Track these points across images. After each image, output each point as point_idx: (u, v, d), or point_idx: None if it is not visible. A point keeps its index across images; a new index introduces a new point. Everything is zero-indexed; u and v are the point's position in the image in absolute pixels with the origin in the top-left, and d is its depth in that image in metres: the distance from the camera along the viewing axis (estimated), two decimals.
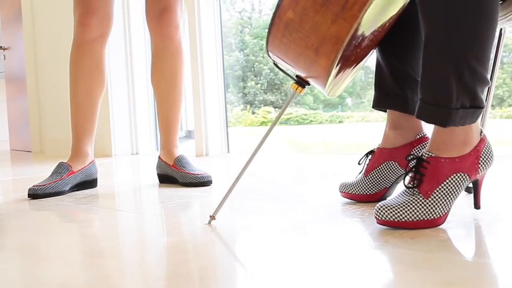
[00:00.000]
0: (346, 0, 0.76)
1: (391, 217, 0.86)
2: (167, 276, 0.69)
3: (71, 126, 1.60)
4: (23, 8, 3.52)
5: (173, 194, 1.41)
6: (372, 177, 1.11)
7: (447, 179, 0.86)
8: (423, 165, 0.87)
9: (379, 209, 0.87)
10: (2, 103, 5.33)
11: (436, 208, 0.86)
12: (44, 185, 1.44)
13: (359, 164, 1.15)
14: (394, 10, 0.91)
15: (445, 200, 0.86)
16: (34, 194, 1.42)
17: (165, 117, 1.64)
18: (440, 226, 0.87)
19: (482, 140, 0.90)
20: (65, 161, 1.55)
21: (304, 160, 2.30)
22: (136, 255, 0.80)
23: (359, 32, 0.82)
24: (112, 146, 2.97)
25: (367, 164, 1.13)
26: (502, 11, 0.99)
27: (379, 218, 0.87)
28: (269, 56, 0.90)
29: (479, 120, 0.89)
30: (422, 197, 0.86)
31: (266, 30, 0.86)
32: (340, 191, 1.16)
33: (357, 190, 1.12)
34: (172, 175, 1.58)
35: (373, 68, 1.13)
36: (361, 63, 1.01)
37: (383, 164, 1.11)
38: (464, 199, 1.11)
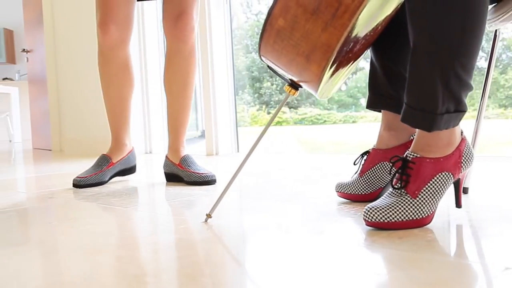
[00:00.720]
0: (336, 8, 0.76)
1: (379, 218, 0.85)
2: (157, 272, 0.70)
3: (109, 123, 1.72)
4: (44, 12, 3.58)
5: (177, 193, 1.42)
6: (367, 178, 1.11)
7: (433, 178, 0.86)
8: (409, 166, 0.87)
9: (368, 211, 0.86)
10: (26, 103, 5.43)
11: (423, 208, 0.85)
12: (86, 177, 1.58)
13: (354, 164, 1.15)
14: (386, 13, 0.90)
15: (432, 200, 0.86)
16: (78, 185, 1.56)
17: (175, 118, 1.66)
18: (428, 226, 0.87)
19: (463, 140, 0.90)
20: (105, 153, 1.67)
21: (312, 159, 2.30)
22: (130, 251, 0.81)
23: (350, 39, 0.81)
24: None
25: (363, 165, 1.13)
26: (496, 13, 0.98)
27: (368, 220, 0.86)
28: (262, 60, 0.90)
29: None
30: (410, 197, 0.85)
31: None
32: (336, 191, 1.16)
33: (352, 190, 1.12)
34: (178, 174, 1.60)
35: None
36: (354, 64, 1.00)
37: (378, 165, 1.10)
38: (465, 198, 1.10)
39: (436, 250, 0.74)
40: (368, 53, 1.12)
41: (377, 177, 1.10)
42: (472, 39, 0.80)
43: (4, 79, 7.46)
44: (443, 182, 0.87)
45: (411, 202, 0.85)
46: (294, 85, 0.94)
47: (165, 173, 1.68)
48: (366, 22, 0.81)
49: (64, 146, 3.54)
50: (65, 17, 3.42)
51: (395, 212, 0.85)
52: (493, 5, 1.00)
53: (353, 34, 0.80)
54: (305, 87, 0.91)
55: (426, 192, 0.86)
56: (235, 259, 0.76)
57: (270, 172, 1.85)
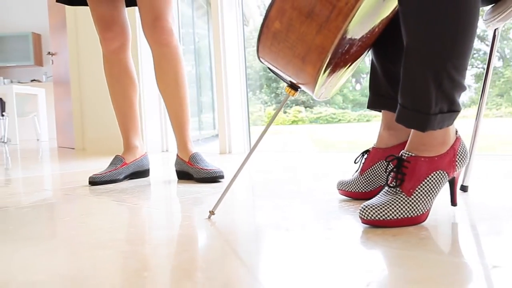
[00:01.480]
0: (330, 11, 0.75)
1: (375, 216, 0.84)
2: (155, 267, 0.71)
3: (118, 126, 1.76)
4: (68, 17, 3.64)
5: (186, 190, 1.43)
6: (367, 176, 1.10)
7: (428, 177, 0.85)
8: (404, 165, 0.86)
9: (364, 209, 0.85)
10: (52, 104, 5.53)
11: (418, 206, 0.84)
12: (101, 174, 1.61)
13: (355, 163, 1.14)
14: (382, 16, 0.89)
15: (426, 198, 0.85)
16: (94, 182, 1.59)
17: (175, 118, 1.67)
18: (423, 224, 0.86)
19: (458, 139, 0.89)
20: (119, 154, 1.70)
21: (322, 158, 2.28)
22: (133, 247, 0.82)
23: (345, 41, 0.81)
24: (144, 144, 3.04)
25: (363, 163, 1.12)
26: (493, 13, 0.96)
27: (364, 218, 0.85)
28: (262, 62, 0.90)
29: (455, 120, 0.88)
30: (405, 195, 0.84)
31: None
32: (338, 189, 1.15)
33: (353, 188, 1.11)
34: (188, 171, 1.61)
35: None
36: (353, 65, 0.99)
37: (378, 163, 1.09)
38: (463, 197, 1.08)
39: (428, 248, 0.73)
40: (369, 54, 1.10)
41: (377, 176, 1.09)
42: (464, 40, 0.78)
43: (32, 80, 7.61)
44: (437, 181, 0.86)
45: (405, 200, 0.84)
46: (294, 86, 0.93)
47: (176, 171, 1.70)
48: (360, 25, 0.81)
49: (87, 145, 3.59)
50: (87, 21, 3.46)
51: (390, 210, 0.84)
52: (491, 5, 0.98)
53: (348, 36, 0.79)
54: (303, 88, 0.91)
55: (421, 191, 0.84)
56: (232, 255, 0.77)
57: (279, 170, 1.85)
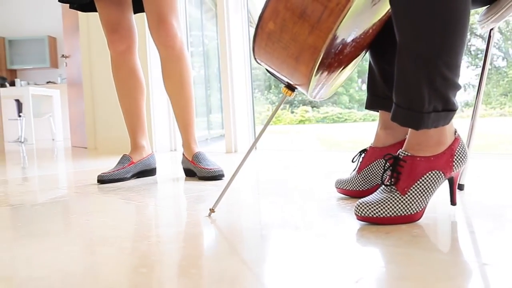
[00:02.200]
0: (322, 12, 0.75)
1: (369, 213, 0.84)
2: (153, 264, 0.71)
3: (126, 126, 1.77)
4: (80, 21, 3.66)
5: (190, 188, 1.43)
6: (365, 174, 1.09)
7: (423, 176, 0.84)
8: (400, 164, 0.85)
9: (359, 206, 0.85)
10: (67, 105, 5.58)
11: (412, 205, 0.83)
12: (110, 172, 1.63)
13: (353, 162, 1.13)
14: (376, 17, 0.88)
15: (421, 197, 0.84)
16: (102, 180, 1.60)
17: (180, 118, 1.68)
18: (418, 222, 0.85)
19: (456, 139, 0.87)
20: (127, 154, 1.72)
21: (326, 156, 2.27)
22: (134, 244, 0.82)
23: (338, 41, 0.80)
24: (153, 143, 3.06)
25: (361, 162, 1.11)
26: (486, 14, 0.94)
27: (359, 215, 0.85)
28: (258, 62, 0.90)
29: (452, 121, 0.86)
30: (399, 194, 0.84)
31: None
32: (336, 187, 1.14)
33: (351, 186, 1.10)
34: (192, 169, 1.62)
35: None
36: (350, 66, 0.99)
37: (375, 162, 1.08)
38: (460, 195, 1.07)
39: (419, 245, 0.72)
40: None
41: (374, 174, 1.08)
42: (454, 39, 0.77)
43: (47, 82, 7.69)
44: (433, 181, 0.84)
45: (400, 199, 0.83)
46: (290, 87, 0.93)
47: (183, 168, 1.71)
48: (352, 25, 0.80)
49: (98, 144, 3.62)
50: (98, 25, 3.48)
51: (384, 207, 0.83)
52: (486, 7, 0.97)
53: (339, 37, 0.78)
54: (299, 88, 0.90)
55: (416, 190, 0.84)
56: (229, 251, 0.76)
57: (282, 169, 1.84)
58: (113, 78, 1.74)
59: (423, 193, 0.84)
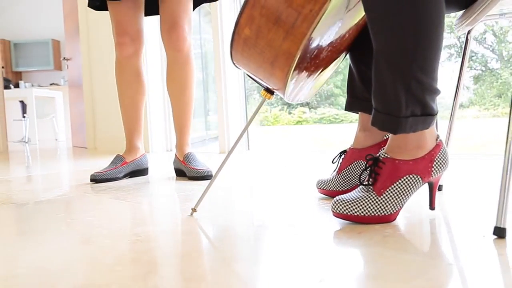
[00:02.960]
0: (296, 18, 0.74)
1: (345, 210, 0.84)
2: (128, 262, 0.71)
3: (123, 127, 1.76)
4: (80, 24, 3.66)
5: (179, 188, 1.43)
6: (344, 175, 1.09)
7: (400, 179, 0.83)
8: (378, 165, 0.85)
9: (335, 202, 0.85)
10: (67, 106, 5.58)
11: (387, 206, 0.83)
12: (102, 172, 1.62)
13: (333, 163, 1.13)
14: (349, 24, 0.88)
15: (396, 199, 0.83)
16: (95, 179, 1.60)
17: (178, 119, 1.68)
18: (393, 223, 0.84)
19: (438, 145, 0.86)
20: (120, 154, 1.72)
21: (320, 157, 2.27)
22: (113, 242, 0.82)
23: (312, 46, 0.80)
24: (149, 143, 3.06)
25: (340, 163, 1.11)
26: (461, 17, 0.94)
27: (335, 211, 0.85)
28: (237, 68, 0.90)
29: (434, 126, 0.85)
30: (375, 194, 0.83)
31: None
32: (317, 187, 1.14)
33: (331, 186, 1.10)
34: (182, 169, 1.62)
35: None
36: (329, 68, 0.98)
37: (354, 163, 1.08)
38: (438, 196, 1.07)
39: (388, 245, 0.72)
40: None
41: (353, 175, 1.08)
42: (427, 44, 0.77)
43: (51, 84, 7.69)
44: (410, 184, 0.84)
45: (375, 199, 0.83)
46: (270, 90, 0.93)
47: (174, 168, 1.71)
48: (326, 31, 0.80)
49: (98, 144, 3.62)
50: (98, 29, 3.49)
51: (360, 206, 0.83)
52: (463, 11, 0.97)
53: (314, 42, 0.78)
54: (276, 92, 0.90)
55: (391, 192, 0.83)
56: (204, 250, 0.76)
57: (272, 170, 1.84)
58: (116, 79, 1.73)
59: (399, 195, 0.83)
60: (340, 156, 1.12)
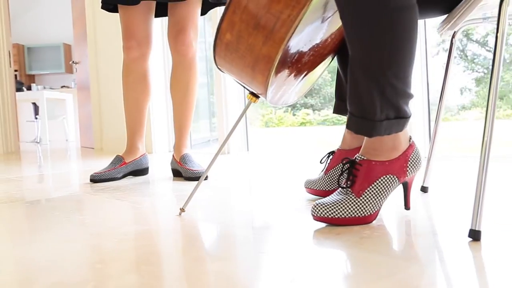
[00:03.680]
0: (274, 23, 0.74)
1: (325, 214, 0.83)
2: (110, 260, 0.71)
3: (126, 127, 1.76)
4: (88, 29, 3.69)
5: (174, 188, 1.43)
6: (331, 175, 1.08)
7: (377, 180, 0.83)
8: (356, 167, 0.84)
9: (315, 206, 0.84)
10: (77, 108, 5.61)
11: (366, 207, 0.82)
12: (101, 172, 1.63)
13: (321, 163, 1.13)
14: (330, 29, 0.87)
15: (375, 199, 0.83)
16: (94, 180, 1.61)
17: (178, 121, 1.69)
18: (371, 224, 0.84)
19: (411, 146, 0.86)
20: (120, 154, 1.72)
21: (317, 157, 2.26)
22: (100, 241, 0.82)
23: (292, 51, 0.79)
24: (152, 144, 3.07)
25: (328, 164, 1.10)
26: (442, 22, 0.93)
27: (315, 215, 0.84)
28: (221, 71, 0.89)
29: (407, 128, 0.85)
30: (354, 196, 0.83)
31: None
32: (305, 187, 1.14)
33: (318, 186, 1.10)
34: (179, 169, 1.62)
35: None
36: (315, 72, 0.98)
37: (341, 164, 1.07)
38: (421, 198, 1.06)
39: (364, 246, 0.71)
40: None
41: None
42: (400, 50, 0.76)
43: (62, 86, 7.76)
44: (387, 184, 0.83)
45: (354, 201, 0.82)
46: (255, 94, 0.92)
47: (171, 169, 1.71)
48: (306, 35, 0.79)
49: (104, 145, 3.64)
50: (105, 33, 3.51)
51: (339, 209, 0.82)
52: (446, 15, 0.96)
53: (293, 47, 0.77)
54: (259, 95, 0.90)
55: (370, 193, 0.83)
56: (185, 249, 0.76)
57: (267, 170, 1.84)
58: (122, 81, 1.72)
59: (377, 196, 0.83)
60: (328, 156, 1.12)
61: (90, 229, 0.92)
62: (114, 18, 3.25)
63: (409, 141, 0.87)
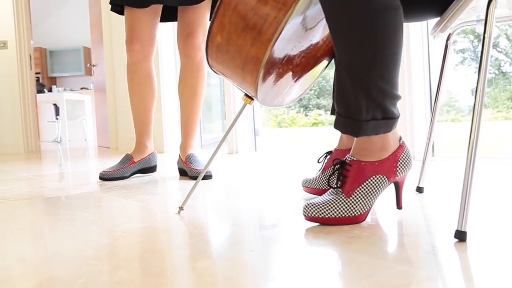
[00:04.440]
0: (262, 25, 0.74)
1: (316, 213, 0.83)
2: (104, 256, 0.72)
3: (134, 127, 1.77)
4: (104, 32, 3.74)
5: (180, 186, 1.44)
6: (328, 174, 1.08)
7: (367, 180, 0.82)
8: (346, 168, 0.83)
9: (306, 206, 0.84)
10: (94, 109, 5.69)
11: (356, 206, 0.82)
12: (110, 171, 1.64)
13: (318, 162, 1.12)
14: (320, 33, 0.87)
15: (365, 199, 0.82)
16: (103, 178, 1.62)
17: (185, 122, 1.70)
18: (362, 223, 0.83)
19: (401, 146, 0.85)
20: (129, 153, 1.73)
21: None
22: (98, 237, 0.83)
23: (281, 52, 0.79)
24: (164, 144, 3.09)
25: (325, 163, 1.10)
26: (435, 25, 0.92)
27: (306, 215, 0.84)
28: (216, 73, 0.90)
29: (396, 129, 0.84)
30: (344, 196, 0.82)
31: None
32: (302, 186, 1.13)
33: (316, 185, 1.09)
34: (185, 169, 1.63)
35: None
36: (311, 73, 0.97)
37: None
38: (416, 199, 1.04)
39: (351, 246, 0.71)
40: None
41: None
42: (385, 52, 0.75)
43: (81, 88, 7.89)
44: (377, 184, 0.83)
45: (344, 201, 0.82)
46: (249, 95, 0.92)
47: (178, 168, 1.72)
48: (294, 38, 0.79)
49: (119, 144, 3.68)
50: (120, 36, 3.55)
51: (330, 209, 0.82)
52: (438, 19, 0.94)
53: (282, 48, 0.77)
54: (252, 97, 0.90)
55: (360, 193, 0.82)
56: (176, 247, 0.77)
57: (273, 169, 1.83)
58: (128, 82, 1.73)
59: (367, 196, 0.82)
60: (326, 156, 1.11)
61: (92, 226, 0.93)
62: None
63: (399, 141, 0.86)
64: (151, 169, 1.78)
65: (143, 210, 1.10)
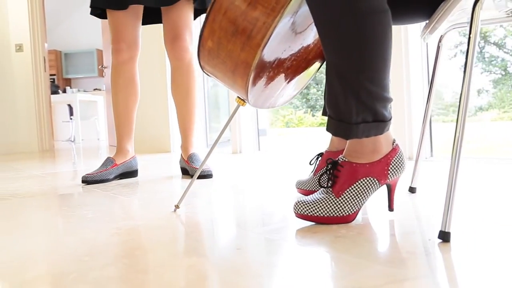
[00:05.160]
0: (251, 30, 0.74)
1: (305, 211, 0.82)
2: (97, 253, 0.72)
3: (115, 129, 1.72)
4: None
5: (180, 185, 1.45)
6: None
7: (357, 181, 0.81)
8: (337, 168, 0.83)
9: (297, 204, 0.84)
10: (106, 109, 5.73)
11: (345, 207, 0.81)
12: (93, 174, 1.58)
13: (310, 164, 1.12)
14: (311, 36, 0.86)
15: (354, 200, 0.81)
16: (86, 181, 1.56)
17: (182, 123, 1.70)
18: (350, 224, 0.82)
19: (394, 149, 0.84)
20: (111, 156, 1.67)
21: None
22: (93, 234, 0.84)
23: (271, 55, 0.79)
24: (170, 144, 3.11)
25: (317, 165, 1.09)
26: (425, 27, 0.91)
27: (297, 212, 0.84)
28: (209, 76, 0.90)
29: (390, 131, 0.83)
30: (334, 196, 0.82)
31: None
32: (296, 187, 1.13)
33: (307, 186, 1.09)
34: (186, 168, 1.64)
35: None
36: (303, 76, 0.96)
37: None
38: (408, 199, 1.03)
39: (335, 246, 0.70)
40: None
41: None
42: (373, 55, 0.75)
43: (94, 89, 7.97)
44: (367, 186, 0.82)
45: (334, 201, 0.82)
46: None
47: (180, 167, 1.73)
48: (283, 42, 0.79)
49: None
50: None
51: (319, 207, 0.82)
52: (426, 22, 0.93)
53: (271, 52, 0.77)
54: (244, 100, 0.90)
55: (349, 193, 0.81)
56: (167, 244, 0.77)
57: (272, 170, 1.83)
58: (111, 84, 1.69)
59: (356, 197, 0.81)
60: (317, 158, 1.11)
61: (89, 223, 0.94)
62: None
63: (393, 144, 0.84)
64: (132, 173, 1.71)
65: (141, 208, 1.11)
